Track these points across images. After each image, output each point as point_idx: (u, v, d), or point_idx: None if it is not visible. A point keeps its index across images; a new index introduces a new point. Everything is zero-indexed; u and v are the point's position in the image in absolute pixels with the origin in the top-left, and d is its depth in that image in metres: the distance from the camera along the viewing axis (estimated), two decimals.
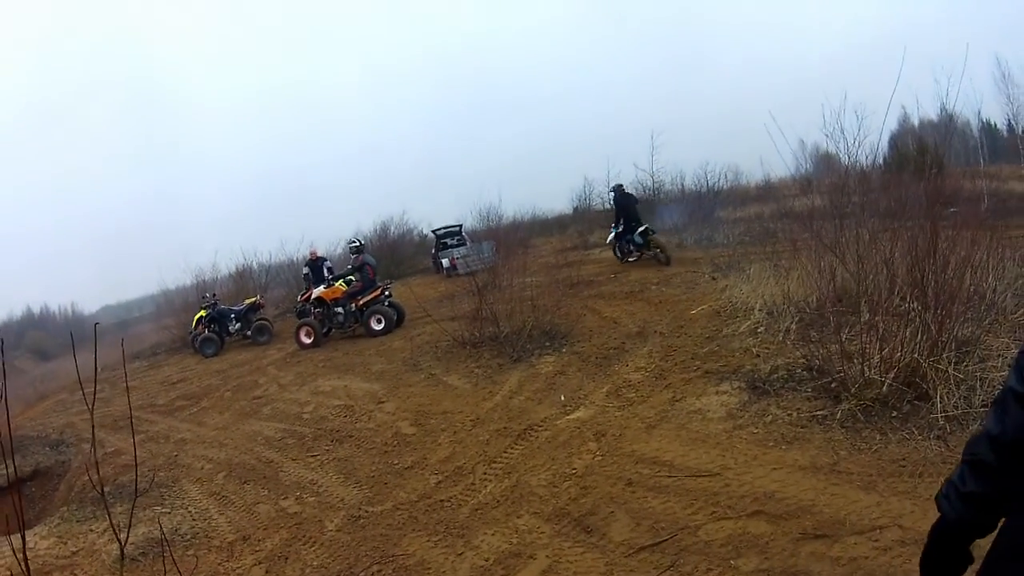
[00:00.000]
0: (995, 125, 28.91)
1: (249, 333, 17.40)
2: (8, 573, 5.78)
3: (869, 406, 5.59)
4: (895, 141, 22.75)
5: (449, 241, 24.85)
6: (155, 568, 5.74)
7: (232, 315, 17.58)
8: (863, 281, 6.87)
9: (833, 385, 6.03)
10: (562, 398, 7.75)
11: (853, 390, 5.76)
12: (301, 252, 24.42)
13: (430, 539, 5.30)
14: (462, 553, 4.98)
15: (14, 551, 2.54)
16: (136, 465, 4.07)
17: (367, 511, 6.11)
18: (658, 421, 6.52)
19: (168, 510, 7.12)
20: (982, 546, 1.44)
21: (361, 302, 14.32)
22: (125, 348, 11.69)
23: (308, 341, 14.43)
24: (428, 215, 48.90)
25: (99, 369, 2.57)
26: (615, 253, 16.44)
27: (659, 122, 60.53)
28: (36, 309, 51.99)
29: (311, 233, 58.71)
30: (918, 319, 5.87)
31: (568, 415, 7.22)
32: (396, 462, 7.10)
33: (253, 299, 18.27)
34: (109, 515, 3.46)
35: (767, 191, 26.32)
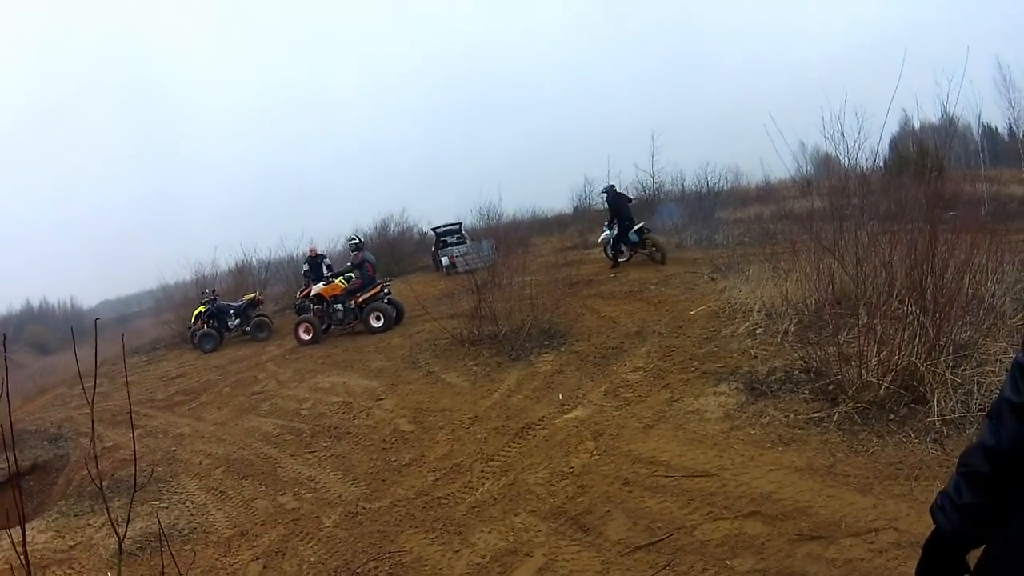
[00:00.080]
0: (996, 129, 28.91)
1: (248, 329, 17.44)
2: (7, 567, 5.79)
3: (866, 409, 5.60)
4: (896, 143, 22.76)
5: (449, 239, 24.85)
6: (153, 563, 5.75)
7: (231, 311, 17.62)
8: (862, 284, 6.88)
9: (831, 387, 6.04)
10: (560, 397, 7.76)
11: (850, 392, 5.78)
12: (301, 249, 24.50)
13: (427, 536, 5.31)
14: (459, 550, 4.98)
15: (13, 544, 2.55)
16: (135, 460, 4.06)
17: (365, 507, 6.11)
18: (656, 421, 6.53)
19: (166, 505, 7.12)
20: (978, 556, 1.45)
21: (360, 299, 14.36)
22: (124, 343, 11.70)
23: (307, 337, 14.47)
24: (428, 213, 48.96)
25: (98, 364, 2.58)
26: (606, 254, 16.46)
27: (659, 122, 60.78)
28: (35, 303, 52.16)
29: (311, 231, 58.73)
30: (916, 322, 5.88)
31: (566, 414, 7.22)
32: (394, 459, 7.11)
33: (252, 295, 18.32)
34: (108, 509, 3.47)
35: (767, 192, 26.34)
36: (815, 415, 5.79)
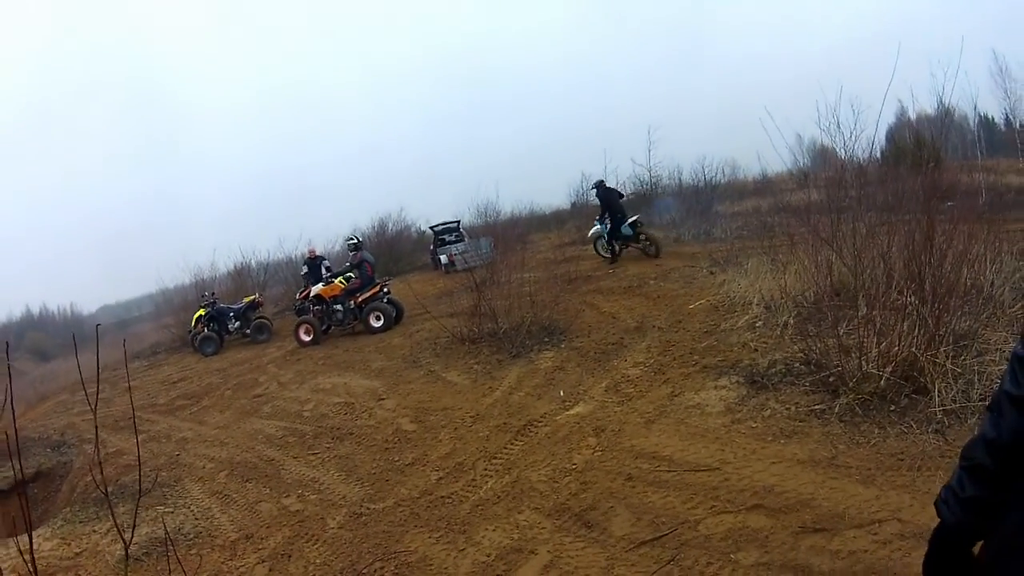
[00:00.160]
0: (992, 119, 28.92)
1: (248, 331, 17.41)
2: (15, 574, 5.80)
3: (867, 400, 5.62)
4: (892, 135, 22.76)
5: (447, 237, 24.78)
6: (159, 567, 5.74)
7: (231, 314, 17.58)
8: (860, 275, 6.89)
9: (831, 379, 6.06)
10: (561, 394, 7.78)
11: (851, 384, 5.79)
12: (299, 250, 24.52)
13: (431, 535, 5.32)
14: (463, 549, 5.00)
15: (20, 552, 2.55)
16: (140, 465, 4.08)
17: (369, 508, 6.12)
18: (657, 416, 6.55)
19: (171, 509, 7.13)
20: None
21: (360, 299, 14.35)
22: (126, 348, 11.70)
23: (307, 339, 14.46)
24: (426, 212, 48.96)
25: (100, 369, 2.59)
26: (596, 250, 16.47)
27: (656, 117, 60.80)
28: (35, 310, 52.08)
29: (309, 231, 58.76)
30: (915, 313, 5.90)
31: (567, 411, 7.24)
32: (397, 459, 7.12)
33: (252, 297, 18.28)
34: (113, 515, 3.49)
35: (764, 185, 26.31)
36: (816, 407, 5.81)
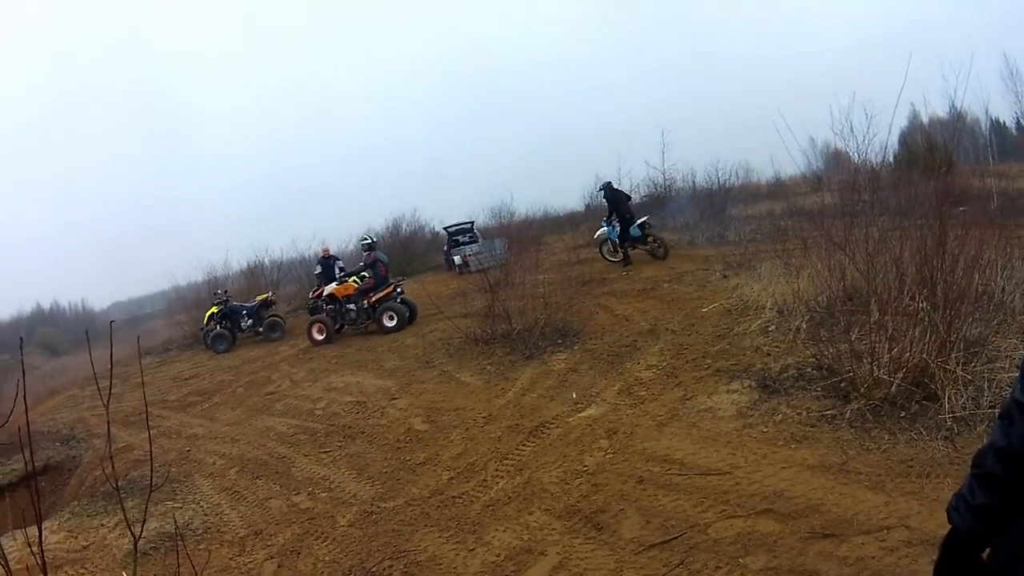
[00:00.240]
0: (1004, 123, 28.66)
1: (261, 330, 17.50)
2: (21, 567, 5.86)
3: (878, 406, 5.62)
4: (905, 139, 22.64)
5: (461, 238, 24.81)
6: (167, 562, 5.80)
7: (244, 311, 17.68)
8: (873, 280, 6.88)
9: (843, 384, 6.06)
10: (574, 395, 7.80)
11: (862, 390, 5.80)
12: (313, 249, 24.56)
13: (442, 535, 5.36)
14: (473, 549, 5.04)
15: (29, 543, 2.60)
16: (151, 460, 4.11)
17: (379, 507, 6.16)
18: (669, 419, 6.57)
19: (180, 505, 7.18)
20: None
21: (373, 299, 14.41)
22: (140, 344, 11.79)
23: (320, 338, 14.54)
24: (440, 213, 48.87)
25: (112, 365, 2.63)
26: (602, 254, 16.45)
27: (671, 119, 60.67)
28: (46, 305, 52.33)
29: (323, 231, 58.88)
30: (927, 319, 5.89)
31: (580, 412, 7.27)
32: (408, 458, 7.16)
33: (265, 295, 18.38)
34: (124, 509, 3.53)
35: (778, 188, 26.20)
36: (827, 412, 5.82)
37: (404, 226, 28.84)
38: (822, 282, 8.01)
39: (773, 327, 8.21)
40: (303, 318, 17.79)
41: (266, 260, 25.93)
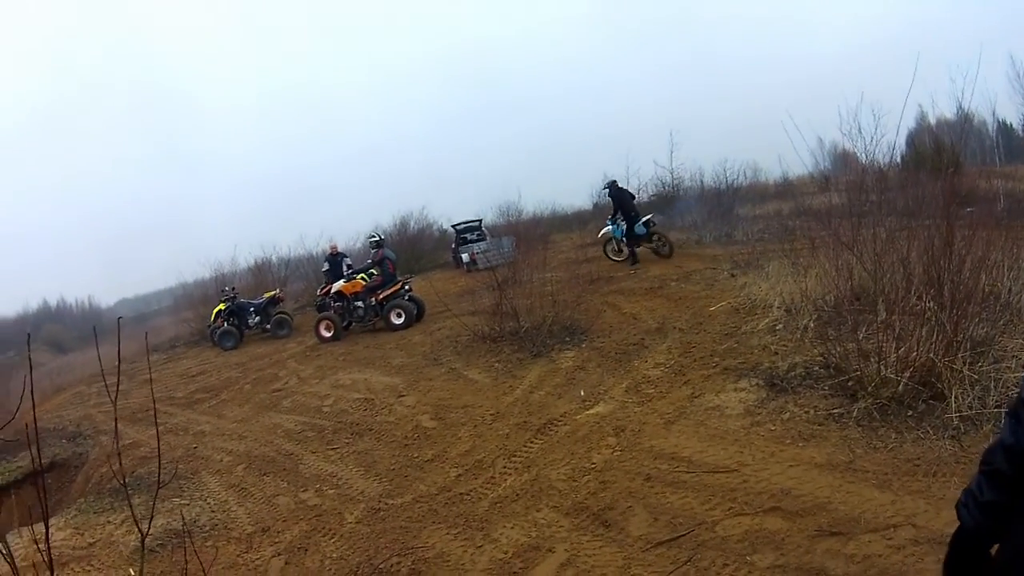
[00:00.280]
0: (1010, 125, 28.57)
1: (268, 327, 17.50)
2: (27, 564, 5.90)
3: (885, 405, 5.64)
4: (913, 139, 22.59)
5: (469, 236, 24.75)
6: (174, 559, 5.83)
7: (251, 308, 17.72)
8: (880, 280, 6.90)
9: (850, 383, 6.08)
10: (582, 393, 7.83)
11: (870, 388, 5.81)
12: (320, 246, 24.57)
13: (449, 532, 5.39)
14: (481, 546, 5.07)
15: (35, 540, 2.63)
16: (159, 457, 4.13)
17: (387, 504, 6.19)
18: (677, 417, 6.59)
19: (187, 502, 7.22)
20: None
21: (381, 296, 14.42)
22: (148, 341, 11.85)
23: (328, 335, 14.56)
24: (448, 210, 48.81)
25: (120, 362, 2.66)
26: (606, 254, 16.43)
27: (679, 118, 60.71)
28: (53, 302, 52.49)
29: (330, 229, 58.93)
30: (934, 318, 5.90)
31: (588, 410, 7.29)
32: (416, 455, 7.19)
33: (272, 292, 18.41)
34: (131, 506, 3.57)
35: (786, 188, 26.12)
36: (835, 411, 5.83)
37: (412, 223, 28.80)
38: (830, 281, 8.02)
39: (781, 326, 8.22)
40: (311, 315, 17.85)
41: (274, 257, 26.02)
